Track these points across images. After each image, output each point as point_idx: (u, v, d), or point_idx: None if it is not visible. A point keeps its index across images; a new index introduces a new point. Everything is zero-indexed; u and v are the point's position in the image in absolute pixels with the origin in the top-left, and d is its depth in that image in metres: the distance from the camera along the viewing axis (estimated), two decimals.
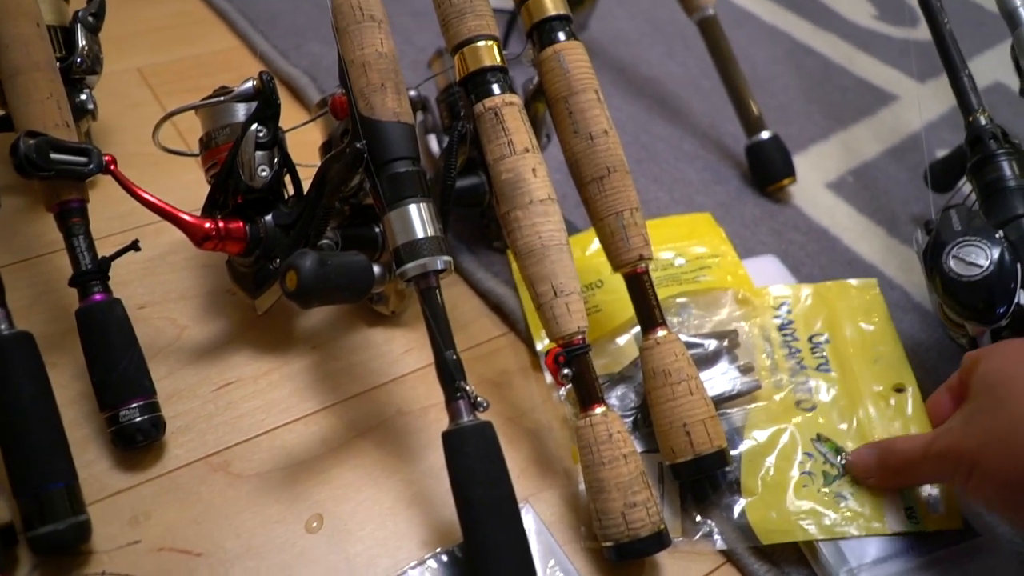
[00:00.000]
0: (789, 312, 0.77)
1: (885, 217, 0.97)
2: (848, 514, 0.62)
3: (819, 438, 0.67)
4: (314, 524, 0.61)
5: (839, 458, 0.66)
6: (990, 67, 1.17)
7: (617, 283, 0.69)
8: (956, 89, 0.81)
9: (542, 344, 0.74)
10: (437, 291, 0.59)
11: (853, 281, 0.79)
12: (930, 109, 1.13)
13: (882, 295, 0.77)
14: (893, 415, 0.68)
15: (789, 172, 0.96)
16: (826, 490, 0.64)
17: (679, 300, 0.76)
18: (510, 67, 0.68)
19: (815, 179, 1.01)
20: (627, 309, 0.68)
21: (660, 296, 0.67)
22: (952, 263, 0.69)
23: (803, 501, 0.63)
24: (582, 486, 0.64)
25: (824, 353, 0.73)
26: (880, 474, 0.63)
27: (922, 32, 0.84)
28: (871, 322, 0.75)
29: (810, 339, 0.75)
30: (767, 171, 0.97)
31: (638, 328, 0.67)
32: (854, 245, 0.92)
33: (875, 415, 0.69)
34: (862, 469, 0.64)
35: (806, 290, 0.79)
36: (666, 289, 0.77)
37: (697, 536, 0.64)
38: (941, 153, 0.94)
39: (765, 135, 0.97)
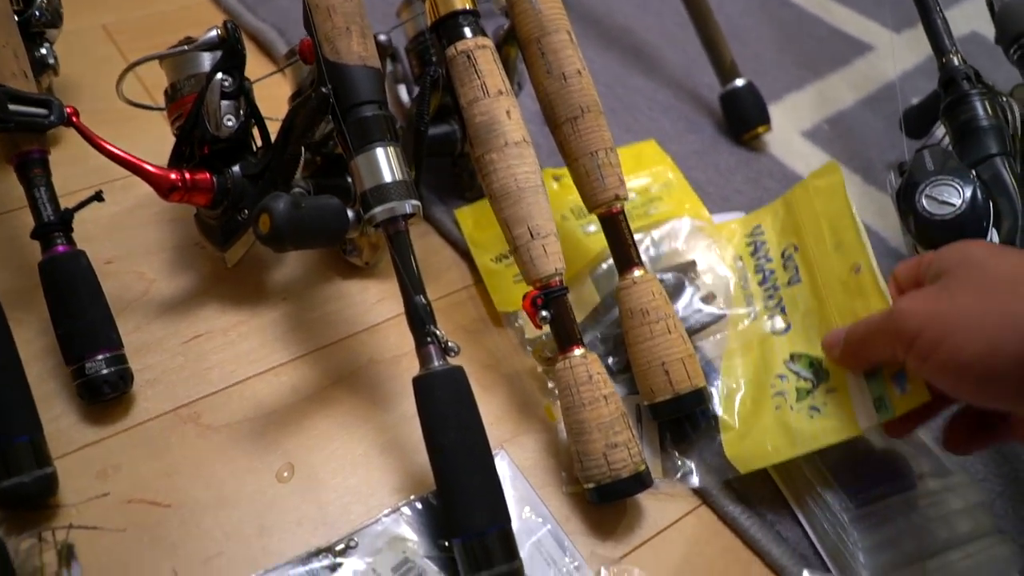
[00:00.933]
0: (762, 234, 0.76)
1: (861, 164, 0.96)
2: (819, 426, 0.61)
3: (792, 357, 0.66)
4: (285, 473, 0.60)
5: (811, 369, 0.65)
6: (966, 17, 1.16)
7: (570, 229, 0.68)
8: (929, 31, 0.80)
9: (499, 302, 0.74)
10: (406, 235, 0.58)
11: (814, 175, 0.76)
12: (905, 59, 1.13)
13: (842, 177, 0.73)
14: (852, 295, 0.65)
15: (764, 119, 0.96)
16: (799, 406, 0.63)
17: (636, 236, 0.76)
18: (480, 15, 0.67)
19: (790, 127, 1.01)
20: (583, 254, 0.67)
21: None
22: (925, 202, 0.69)
23: (776, 424, 0.63)
24: (562, 432, 0.63)
25: (795, 263, 0.72)
26: (844, 348, 0.61)
27: None
28: (831, 211, 0.71)
29: (782, 255, 0.74)
30: (741, 119, 0.96)
31: (598, 272, 0.67)
32: None
33: (842, 304, 0.66)
34: (831, 346, 0.62)
35: (774, 209, 0.78)
36: None
37: (677, 476, 0.64)
38: (916, 101, 0.94)
39: (739, 82, 0.96)
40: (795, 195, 0.76)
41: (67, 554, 0.55)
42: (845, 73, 1.12)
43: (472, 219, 0.79)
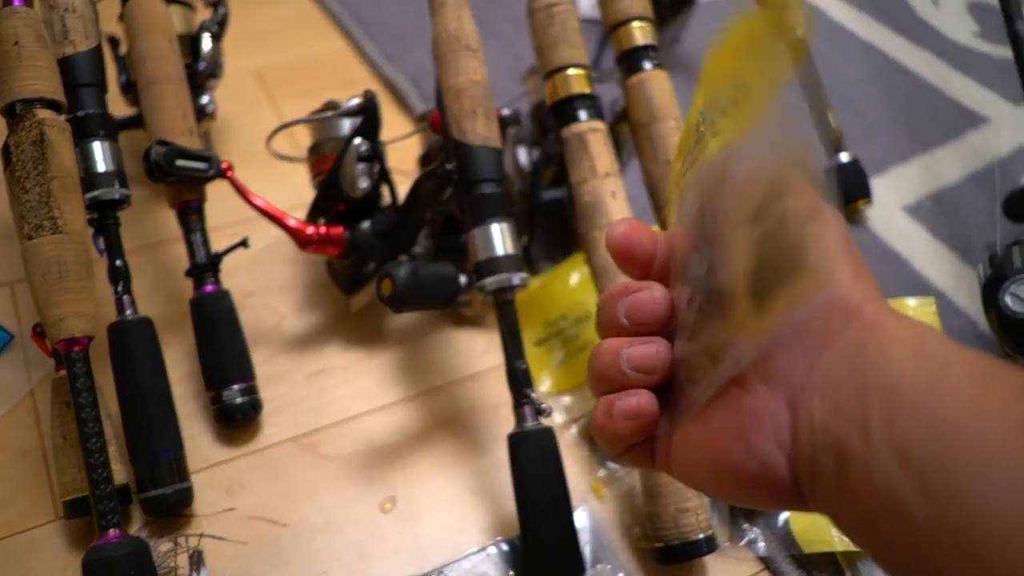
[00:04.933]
0: None
1: (960, 243, 0.98)
2: None
3: None
4: (388, 505, 0.68)
5: None
6: None
7: None
8: None
9: (544, 385, 0.77)
10: (513, 304, 0.65)
11: (911, 301, 0.79)
12: (1021, 133, 1.13)
13: (938, 316, 0.75)
14: None
15: (864, 194, 0.98)
16: None
17: None
18: (602, 78, 0.72)
19: (893, 201, 1.03)
20: None
21: None
22: (1009, 300, 0.71)
23: None
24: (638, 492, 0.69)
25: None
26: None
27: None
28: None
29: None
30: (843, 193, 0.99)
31: None
32: (925, 270, 0.93)
33: None
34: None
35: None
36: None
37: (742, 542, 0.68)
38: None
39: (843, 157, 0.99)
40: None
41: (197, 559, 0.63)
42: (956, 146, 1.12)
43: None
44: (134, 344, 0.65)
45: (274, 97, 1.02)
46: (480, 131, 0.66)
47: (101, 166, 0.65)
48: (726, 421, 0.35)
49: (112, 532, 0.56)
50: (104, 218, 0.65)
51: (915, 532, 0.28)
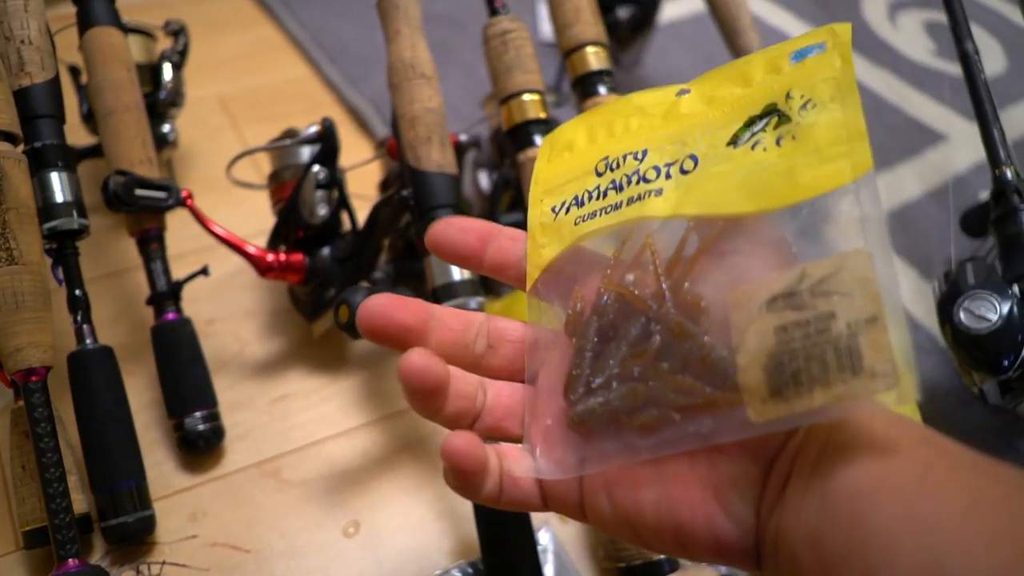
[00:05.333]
0: None
1: (919, 259, 0.99)
2: None
3: None
4: (351, 530, 0.68)
5: None
6: None
7: None
8: (986, 142, 0.84)
9: None
10: None
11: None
12: (979, 150, 1.15)
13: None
14: None
15: None
16: None
17: None
18: (562, 102, 0.73)
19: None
20: None
21: None
22: (962, 315, 0.72)
23: None
24: None
25: None
26: None
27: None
28: None
29: None
30: None
31: None
32: None
33: None
34: None
35: None
36: None
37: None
38: (985, 195, 0.96)
39: None
40: None
41: None
42: (914, 163, 1.14)
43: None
44: (94, 373, 0.65)
45: (238, 123, 1.03)
46: (435, 157, 0.67)
47: (59, 196, 0.65)
48: (692, 477, 0.33)
49: (71, 561, 0.56)
50: (63, 248, 0.66)
51: None
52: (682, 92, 0.42)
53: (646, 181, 0.39)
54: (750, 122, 0.38)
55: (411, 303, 0.38)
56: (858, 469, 0.30)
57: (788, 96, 0.37)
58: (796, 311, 0.31)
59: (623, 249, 0.38)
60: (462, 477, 0.36)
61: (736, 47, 1.05)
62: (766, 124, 0.37)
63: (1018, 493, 0.28)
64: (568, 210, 0.41)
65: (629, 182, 0.39)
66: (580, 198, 0.40)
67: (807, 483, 0.31)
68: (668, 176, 0.38)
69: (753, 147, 0.37)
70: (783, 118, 0.37)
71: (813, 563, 0.29)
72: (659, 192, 0.38)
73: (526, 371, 0.39)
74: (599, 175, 0.41)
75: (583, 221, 0.39)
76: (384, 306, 0.38)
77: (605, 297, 0.37)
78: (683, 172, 0.38)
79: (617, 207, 0.39)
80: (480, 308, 0.65)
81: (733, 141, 0.38)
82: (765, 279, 0.33)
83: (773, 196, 0.35)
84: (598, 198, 0.40)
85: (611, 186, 0.40)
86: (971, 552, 0.26)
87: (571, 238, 0.39)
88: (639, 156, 0.40)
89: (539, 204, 0.42)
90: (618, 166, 0.40)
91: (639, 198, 0.38)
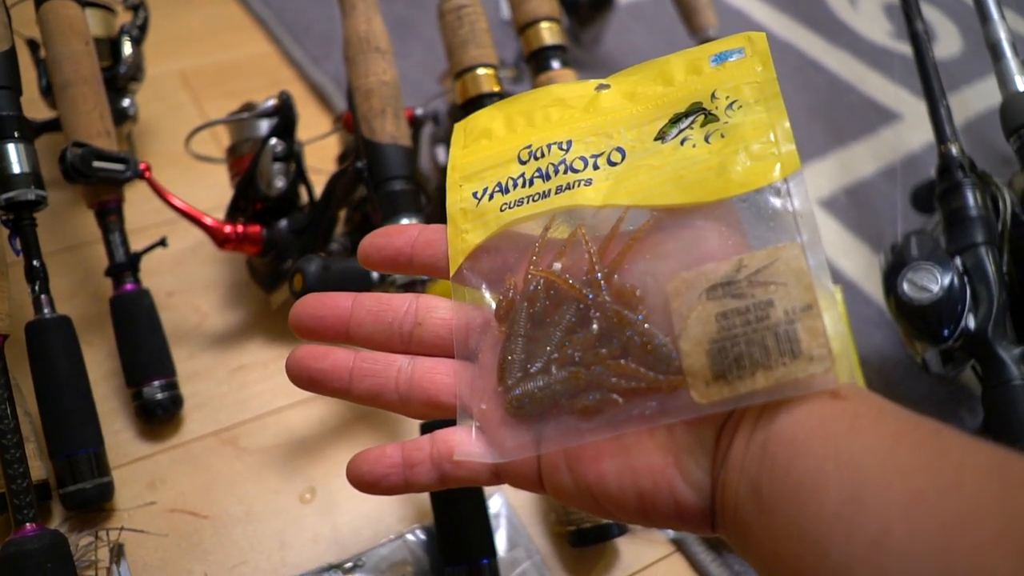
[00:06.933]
0: None
1: (872, 235, 1.02)
2: None
3: None
4: (307, 496, 0.69)
5: None
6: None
7: None
8: (933, 119, 0.86)
9: None
10: None
11: None
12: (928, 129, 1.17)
13: (845, 304, 0.77)
14: None
15: None
16: None
17: None
18: (522, 77, 0.75)
19: (809, 195, 1.06)
20: None
21: None
22: (906, 286, 0.74)
23: None
24: None
25: None
26: None
27: (938, 50, 0.86)
28: None
29: None
30: None
31: None
32: (836, 260, 0.97)
33: None
34: None
35: None
36: None
37: None
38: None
39: None
40: None
41: (118, 552, 0.64)
42: (869, 141, 1.16)
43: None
44: (52, 342, 0.66)
45: (199, 99, 1.03)
46: (389, 130, 0.68)
47: (16, 168, 0.65)
48: (652, 446, 0.35)
49: (29, 526, 0.58)
50: (20, 219, 0.66)
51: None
52: (602, 87, 0.43)
53: (574, 171, 0.40)
54: (676, 119, 0.40)
55: (328, 307, 0.43)
56: (795, 420, 0.32)
57: (713, 96, 0.39)
58: (736, 299, 0.34)
59: (546, 235, 0.40)
60: (367, 489, 0.40)
61: (693, 25, 1.06)
62: (692, 122, 0.39)
63: (935, 436, 0.30)
64: (492, 196, 0.42)
65: (556, 171, 0.41)
66: (504, 185, 0.42)
67: (749, 436, 0.33)
68: (596, 167, 0.40)
69: (682, 143, 0.39)
70: (710, 117, 0.39)
71: (753, 509, 0.31)
72: (588, 182, 0.40)
73: (455, 350, 0.40)
74: (523, 163, 0.42)
75: (509, 208, 0.41)
76: (307, 323, 0.43)
77: (534, 284, 0.38)
78: (611, 164, 0.40)
79: (545, 195, 0.40)
80: (433, 279, 0.66)
81: (661, 136, 0.40)
82: (703, 269, 0.35)
83: (706, 190, 0.37)
84: (524, 186, 0.41)
85: (537, 174, 0.41)
86: (887, 484, 0.28)
87: (496, 224, 0.40)
88: (564, 146, 0.41)
89: (459, 189, 0.43)
90: (543, 155, 0.41)
91: (569, 187, 0.40)
